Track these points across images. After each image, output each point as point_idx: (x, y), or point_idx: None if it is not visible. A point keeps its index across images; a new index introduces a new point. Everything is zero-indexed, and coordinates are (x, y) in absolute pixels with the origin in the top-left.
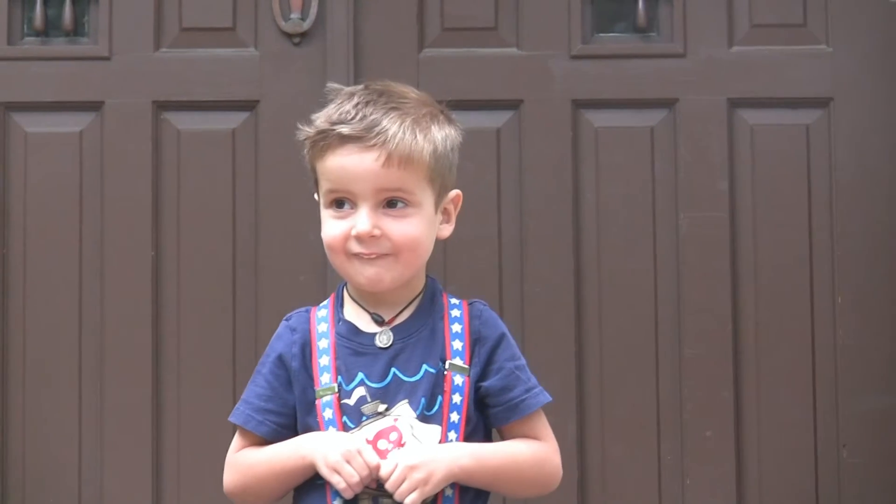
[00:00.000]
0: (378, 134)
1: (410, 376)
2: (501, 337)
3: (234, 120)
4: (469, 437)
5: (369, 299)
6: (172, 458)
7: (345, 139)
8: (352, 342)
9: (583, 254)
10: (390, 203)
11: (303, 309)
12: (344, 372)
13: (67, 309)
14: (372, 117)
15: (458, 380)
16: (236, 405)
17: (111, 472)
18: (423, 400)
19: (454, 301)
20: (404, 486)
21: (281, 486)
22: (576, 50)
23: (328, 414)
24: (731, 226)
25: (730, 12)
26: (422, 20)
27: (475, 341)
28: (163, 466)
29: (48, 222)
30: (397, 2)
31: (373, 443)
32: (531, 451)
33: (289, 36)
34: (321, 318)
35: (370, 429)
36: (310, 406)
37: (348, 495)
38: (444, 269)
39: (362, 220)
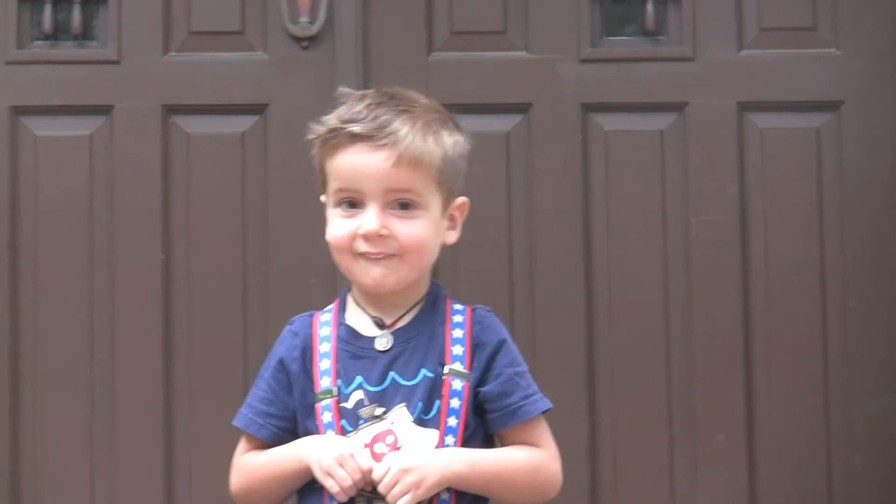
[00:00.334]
0: (389, 134)
1: (408, 380)
2: (502, 343)
3: (244, 123)
4: (467, 442)
5: (372, 303)
6: (184, 460)
7: (356, 138)
8: (351, 345)
9: (593, 257)
10: (398, 204)
11: (307, 313)
12: (343, 375)
13: (78, 312)
14: (384, 118)
15: (457, 384)
16: (240, 409)
17: (123, 474)
18: (420, 404)
19: (458, 307)
20: (397, 489)
21: (282, 489)
22: (585, 53)
23: (327, 417)
24: (741, 229)
25: (739, 15)
26: (430, 24)
27: (475, 347)
28: (174, 468)
29: (58, 226)
30: (406, 5)
31: (369, 446)
32: (528, 458)
33: (297, 39)
34: (324, 322)
35: (367, 432)
36: (309, 409)
37: (342, 498)
38: (455, 272)
39: (370, 218)
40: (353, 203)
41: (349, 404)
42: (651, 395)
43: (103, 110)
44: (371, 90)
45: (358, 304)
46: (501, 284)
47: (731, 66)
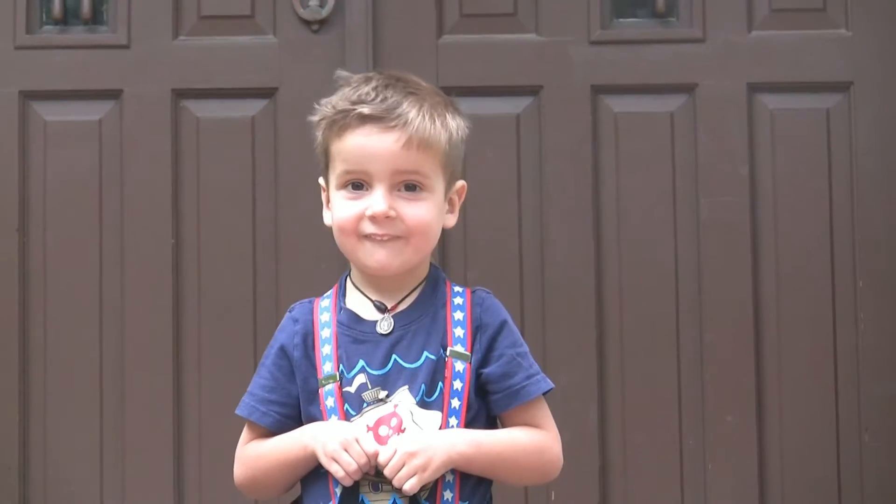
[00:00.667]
0: (399, 115)
1: (411, 363)
2: (503, 324)
3: (253, 107)
4: (470, 423)
5: (373, 286)
6: (194, 446)
7: (365, 119)
8: (353, 330)
9: (603, 240)
10: (404, 186)
11: (307, 300)
12: (345, 360)
13: (88, 298)
14: (392, 99)
15: (459, 366)
16: (242, 398)
17: (132, 461)
18: (423, 386)
19: (458, 289)
20: (403, 472)
21: (286, 477)
22: (595, 35)
23: (330, 402)
24: (751, 211)
25: None
26: (440, 6)
27: (477, 328)
28: (184, 456)
29: (68, 211)
30: None
31: (373, 429)
32: (531, 439)
33: (307, 23)
34: (324, 308)
35: (371, 416)
36: (312, 395)
37: (347, 483)
38: (465, 255)
39: (378, 200)
40: (358, 185)
41: (352, 388)
42: (661, 379)
43: (113, 95)
44: (373, 72)
45: (358, 288)
46: (512, 267)
47: (741, 48)
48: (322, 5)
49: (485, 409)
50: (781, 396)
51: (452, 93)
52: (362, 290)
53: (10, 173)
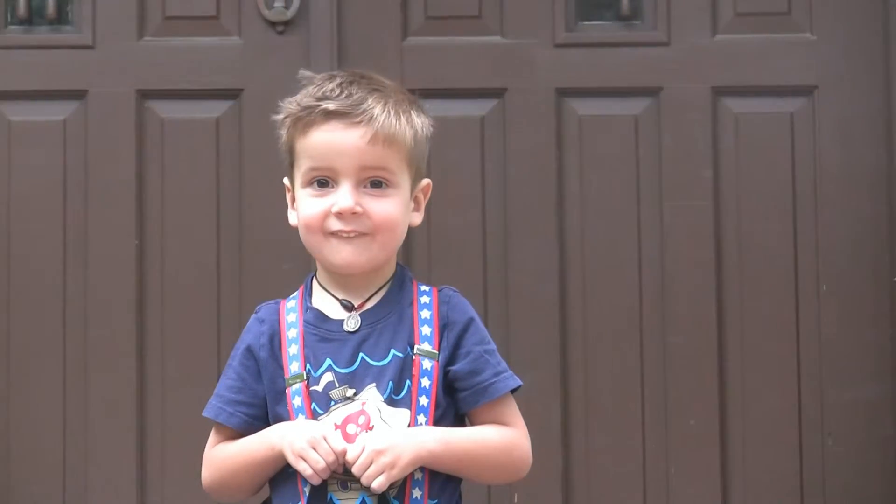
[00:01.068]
0: (364, 111)
1: (378, 361)
2: (470, 321)
3: (218, 108)
4: (439, 421)
5: (339, 285)
6: (157, 447)
7: (330, 115)
8: (319, 329)
9: (567, 242)
10: (370, 182)
11: (272, 301)
12: (312, 359)
13: (51, 298)
14: (357, 95)
15: (427, 364)
16: (209, 400)
17: (95, 462)
18: (390, 384)
19: (424, 288)
20: (371, 470)
21: (254, 478)
22: (560, 38)
23: (297, 402)
24: (714, 214)
25: (713, 0)
26: (405, 8)
27: (444, 326)
28: (146, 458)
29: (31, 211)
30: None
31: (341, 427)
32: (500, 437)
33: (272, 24)
34: (290, 309)
35: (338, 413)
36: (279, 395)
37: (315, 481)
38: (429, 256)
39: (344, 196)
40: (323, 182)
41: (319, 387)
42: (624, 380)
43: (77, 95)
44: (337, 71)
45: (324, 287)
46: (475, 268)
47: (705, 51)
48: (287, 7)
49: (453, 408)
50: (744, 399)
51: (417, 94)
52: (329, 289)
53: None
